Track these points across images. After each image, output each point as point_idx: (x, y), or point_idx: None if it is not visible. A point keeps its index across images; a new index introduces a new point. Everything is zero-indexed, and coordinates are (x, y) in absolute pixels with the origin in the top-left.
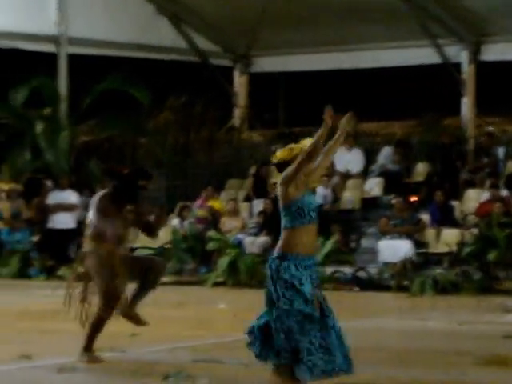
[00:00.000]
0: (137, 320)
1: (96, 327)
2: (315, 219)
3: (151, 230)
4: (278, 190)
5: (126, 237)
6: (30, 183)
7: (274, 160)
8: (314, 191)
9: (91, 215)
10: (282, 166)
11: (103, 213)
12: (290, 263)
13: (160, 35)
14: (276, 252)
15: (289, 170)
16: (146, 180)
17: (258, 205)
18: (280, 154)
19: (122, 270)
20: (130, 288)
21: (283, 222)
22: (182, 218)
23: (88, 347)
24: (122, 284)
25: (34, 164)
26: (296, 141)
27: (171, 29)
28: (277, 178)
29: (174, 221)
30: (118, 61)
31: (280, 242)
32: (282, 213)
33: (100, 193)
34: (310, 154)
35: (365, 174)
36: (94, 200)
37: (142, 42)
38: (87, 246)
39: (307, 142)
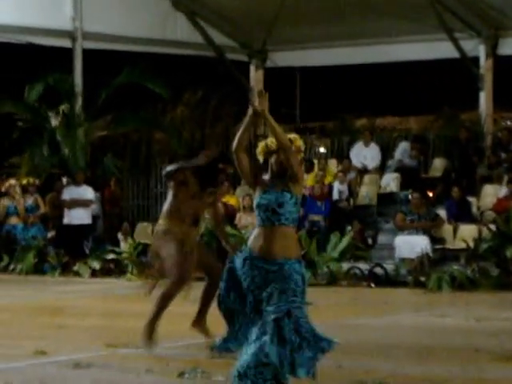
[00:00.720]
0: (206, 332)
1: (162, 304)
2: (266, 221)
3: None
4: None
5: (202, 219)
6: (49, 179)
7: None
8: (281, 190)
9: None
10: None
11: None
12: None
13: (176, 30)
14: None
15: None
16: (226, 164)
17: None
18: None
19: (193, 254)
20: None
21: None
22: None
23: (151, 327)
24: (192, 266)
25: (51, 160)
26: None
27: (187, 24)
28: None
29: None
30: (133, 56)
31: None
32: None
33: None
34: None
35: (381, 169)
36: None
37: (157, 37)
38: (162, 224)
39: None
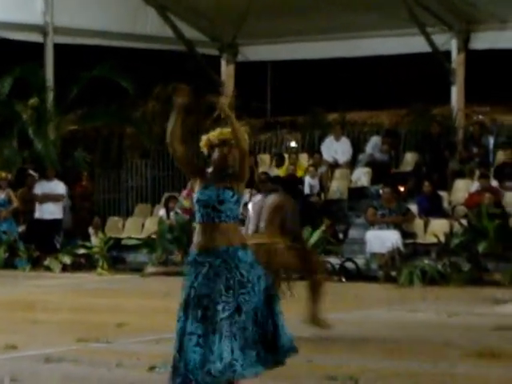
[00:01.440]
0: (323, 325)
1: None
2: (206, 217)
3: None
4: None
5: None
6: (21, 173)
7: None
8: (223, 187)
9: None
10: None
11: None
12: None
13: (146, 24)
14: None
15: None
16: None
17: (245, 195)
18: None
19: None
20: None
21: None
22: (168, 208)
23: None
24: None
25: (22, 154)
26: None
27: (157, 18)
28: (268, 168)
29: (161, 211)
30: (104, 50)
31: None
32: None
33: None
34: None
35: (352, 163)
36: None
37: (128, 32)
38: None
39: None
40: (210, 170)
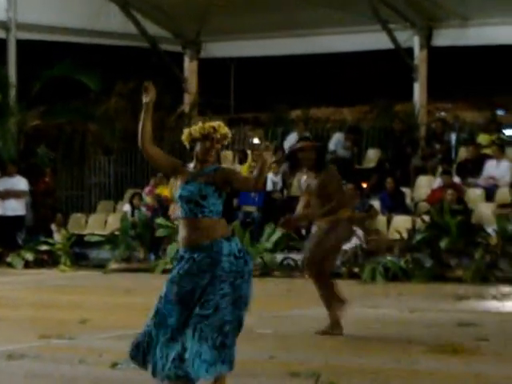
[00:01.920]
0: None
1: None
2: (189, 213)
3: None
4: None
5: None
6: None
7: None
8: (205, 182)
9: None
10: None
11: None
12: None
13: (109, 21)
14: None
15: None
16: None
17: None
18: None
19: None
20: None
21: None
22: (133, 205)
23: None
24: None
25: None
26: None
27: (121, 15)
28: (231, 165)
29: (125, 207)
30: (67, 47)
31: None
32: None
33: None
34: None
35: None
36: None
37: (91, 28)
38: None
39: (197, 126)
40: (191, 164)
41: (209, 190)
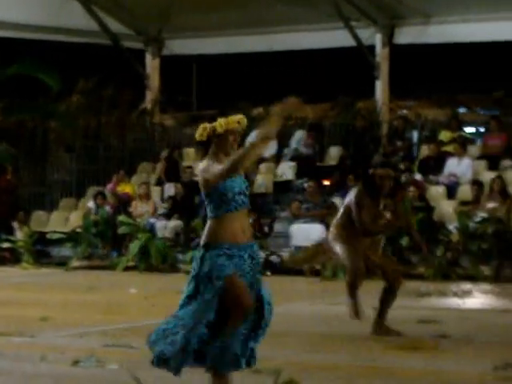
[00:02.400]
0: (392, 332)
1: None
2: (243, 204)
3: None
4: (199, 178)
5: None
6: None
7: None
8: (242, 173)
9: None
10: (200, 145)
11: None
12: (213, 253)
13: (71, 18)
14: (202, 242)
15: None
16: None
17: (170, 189)
18: (196, 134)
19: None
20: None
21: (207, 211)
22: (97, 204)
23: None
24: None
25: None
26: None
27: (82, 11)
28: (193, 162)
29: (90, 204)
30: (29, 44)
31: (205, 231)
32: (205, 201)
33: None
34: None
35: (277, 157)
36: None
37: (52, 25)
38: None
39: (222, 121)
40: (209, 160)
41: (246, 181)
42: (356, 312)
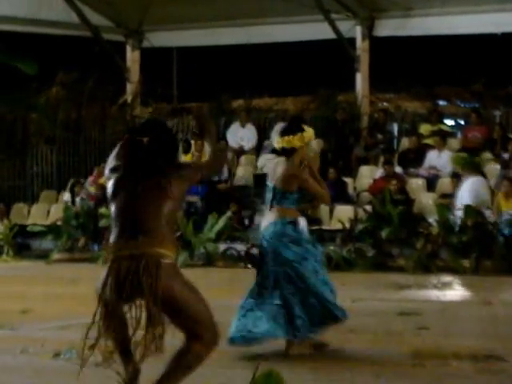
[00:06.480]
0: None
1: None
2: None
3: None
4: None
5: None
6: None
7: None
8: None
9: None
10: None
11: None
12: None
13: (51, 10)
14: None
15: None
16: None
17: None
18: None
19: None
20: None
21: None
22: (73, 193)
23: None
24: None
25: None
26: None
27: (62, 3)
28: None
29: (65, 196)
30: (7, 35)
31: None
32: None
33: None
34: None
35: (258, 150)
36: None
37: (32, 17)
38: None
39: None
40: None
41: None
42: None
